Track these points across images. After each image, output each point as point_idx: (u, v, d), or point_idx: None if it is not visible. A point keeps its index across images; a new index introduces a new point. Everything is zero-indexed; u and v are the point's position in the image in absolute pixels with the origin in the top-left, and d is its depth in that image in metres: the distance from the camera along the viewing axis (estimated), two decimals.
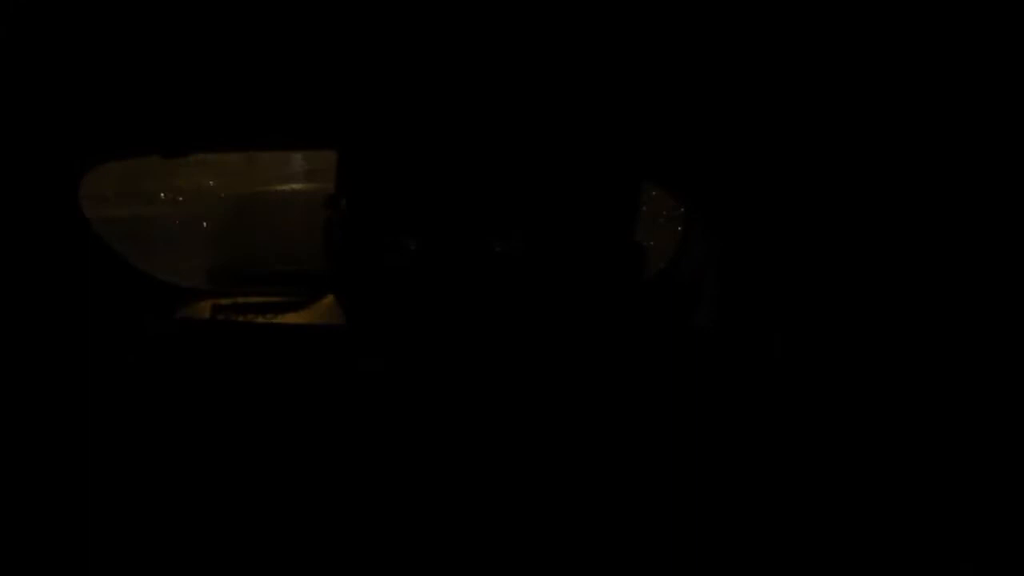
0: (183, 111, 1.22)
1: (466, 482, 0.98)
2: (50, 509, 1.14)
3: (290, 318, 1.66)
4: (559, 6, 0.98)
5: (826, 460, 1.10)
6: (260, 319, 1.71)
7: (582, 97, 1.06)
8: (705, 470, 1.04)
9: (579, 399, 1.01)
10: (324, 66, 1.10)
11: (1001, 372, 1.06)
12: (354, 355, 0.99)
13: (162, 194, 2.18)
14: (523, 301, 0.89)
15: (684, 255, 1.48)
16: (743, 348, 1.22)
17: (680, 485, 1.02)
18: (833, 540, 1.03)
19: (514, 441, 0.97)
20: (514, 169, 0.93)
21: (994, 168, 1.10)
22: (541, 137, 0.95)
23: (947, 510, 1.06)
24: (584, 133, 0.99)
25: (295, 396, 1.15)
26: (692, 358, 1.19)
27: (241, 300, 1.78)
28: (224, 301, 1.76)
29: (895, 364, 1.16)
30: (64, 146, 1.32)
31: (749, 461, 1.07)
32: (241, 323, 1.69)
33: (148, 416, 1.21)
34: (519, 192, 0.91)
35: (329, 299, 1.40)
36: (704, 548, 0.99)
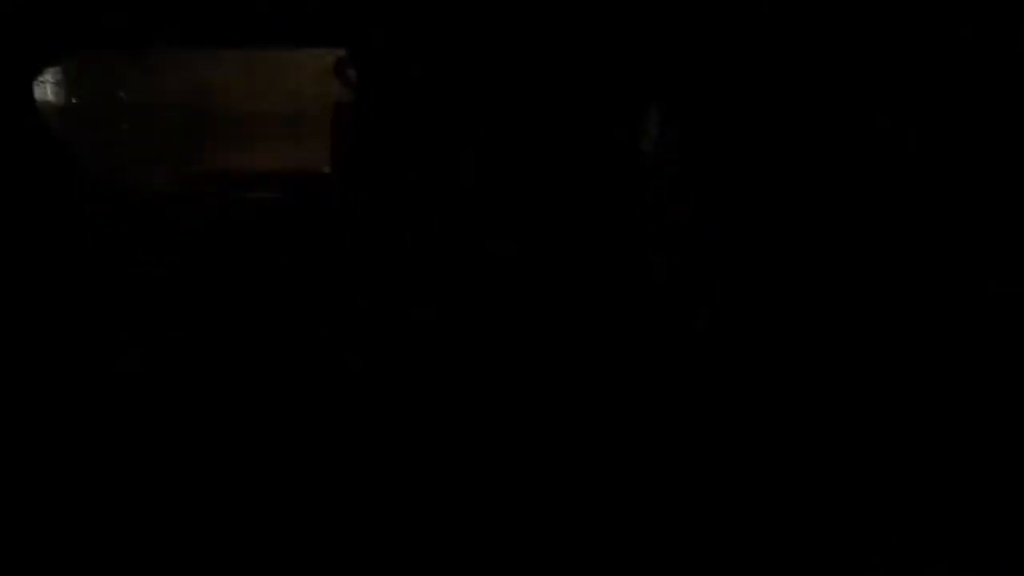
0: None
1: (466, 482, 0.98)
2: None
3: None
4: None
5: (823, 460, 1.12)
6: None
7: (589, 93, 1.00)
8: (705, 470, 1.05)
9: (579, 399, 1.00)
10: None
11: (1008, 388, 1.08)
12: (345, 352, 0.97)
13: (124, 95, 2.05)
14: (524, 301, 0.86)
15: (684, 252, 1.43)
16: (743, 350, 1.21)
17: (680, 485, 1.03)
18: (831, 539, 1.06)
19: (514, 441, 0.96)
20: (516, 168, 0.88)
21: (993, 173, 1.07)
22: (545, 136, 0.90)
23: (929, 511, 1.10)
24: (590, 131, 0.93)
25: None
26: (692, 360, 1.18)
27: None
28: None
29: (894, 365, 1.16)
30: (15, 39, 1.22)
31: (749, 461, 1.08)
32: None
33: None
34: (521, 192, 0.86)
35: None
36: (704, 548, 1.01)
